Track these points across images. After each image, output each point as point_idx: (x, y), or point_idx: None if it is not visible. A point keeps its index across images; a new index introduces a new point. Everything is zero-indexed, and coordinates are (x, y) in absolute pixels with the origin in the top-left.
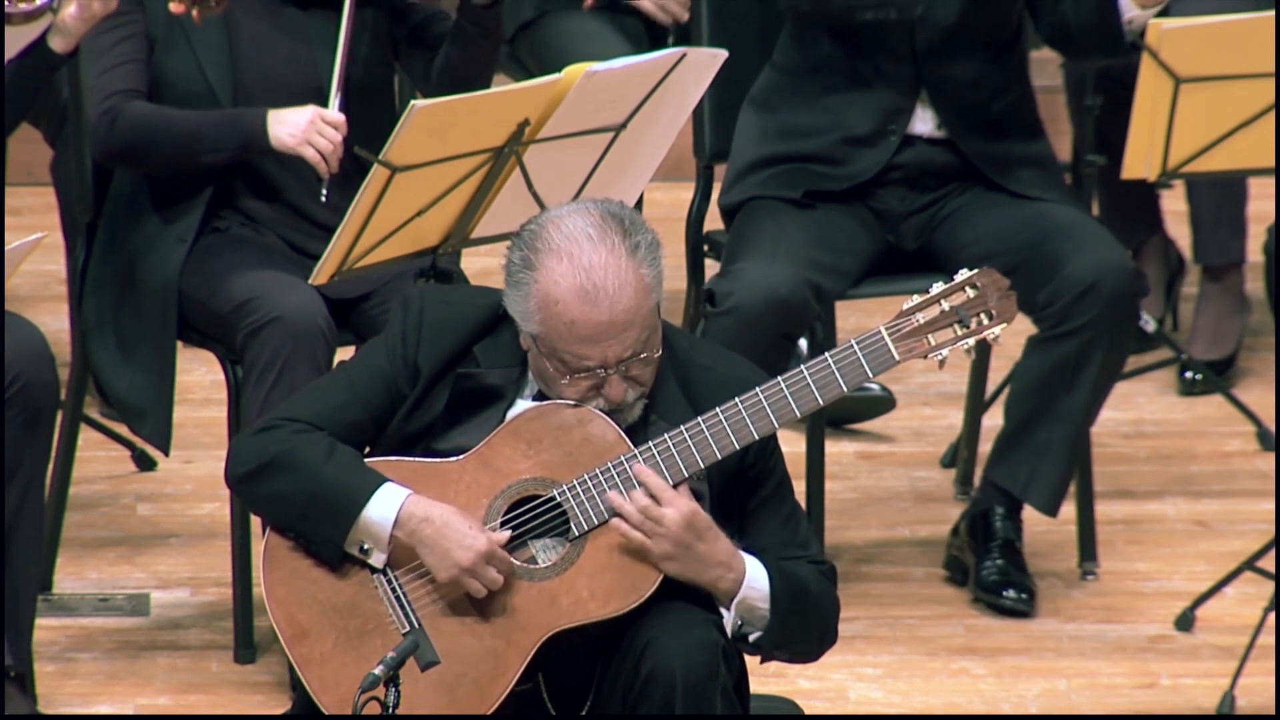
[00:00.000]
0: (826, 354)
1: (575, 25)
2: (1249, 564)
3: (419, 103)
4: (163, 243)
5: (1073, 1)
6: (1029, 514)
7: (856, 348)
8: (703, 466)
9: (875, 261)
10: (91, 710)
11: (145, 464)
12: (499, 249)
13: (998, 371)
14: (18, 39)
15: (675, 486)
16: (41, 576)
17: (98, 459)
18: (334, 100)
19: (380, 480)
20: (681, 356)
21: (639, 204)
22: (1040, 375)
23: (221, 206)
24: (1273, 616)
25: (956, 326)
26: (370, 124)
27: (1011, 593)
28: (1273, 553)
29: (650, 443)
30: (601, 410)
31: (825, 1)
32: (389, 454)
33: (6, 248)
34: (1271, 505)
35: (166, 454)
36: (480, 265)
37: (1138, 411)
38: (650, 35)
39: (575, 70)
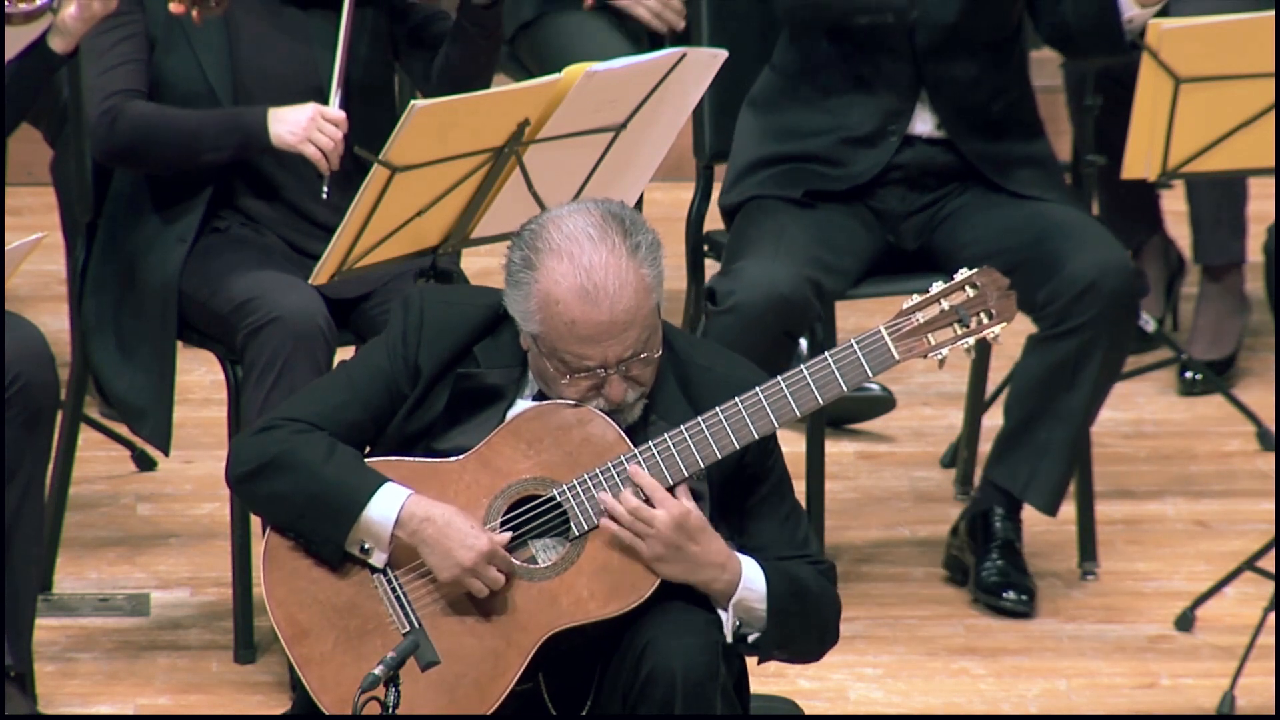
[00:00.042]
0: (826, 354)
1: (575, 25)
2: (1249, 564)
3: (419, 103)
4: (163, 243)
5: (1073, 1)
6: (1029, 514)
7: (856, 347)
8: (703, 466)
9: (875, 261)
10: (91, 710)
11: (145, 464)
12: (499, 249)
13: (998, 371)
14: (18, 39)
15: (675, 486)
16: (41, 576)
17: (98, 459)
18: (334, 99)
19: (381, 480)
20: (681, 356)
21: (639, 204)
22: (1040, 375)
23: (221, 206)
24: (1273, 616)
25: (956, 326)
26: (370, 124)
27: (1011, 594)
28: (1273, 553)
29: (650, 443)
30: (601, 410)
31: (821, 6)
32: (389, 454)
33: (6, 248)
34: (1271, 505)
35: (166, 454)
36: (480, 265)
37: (1138, 411)
38: (650, 35)
39: (575, 70)
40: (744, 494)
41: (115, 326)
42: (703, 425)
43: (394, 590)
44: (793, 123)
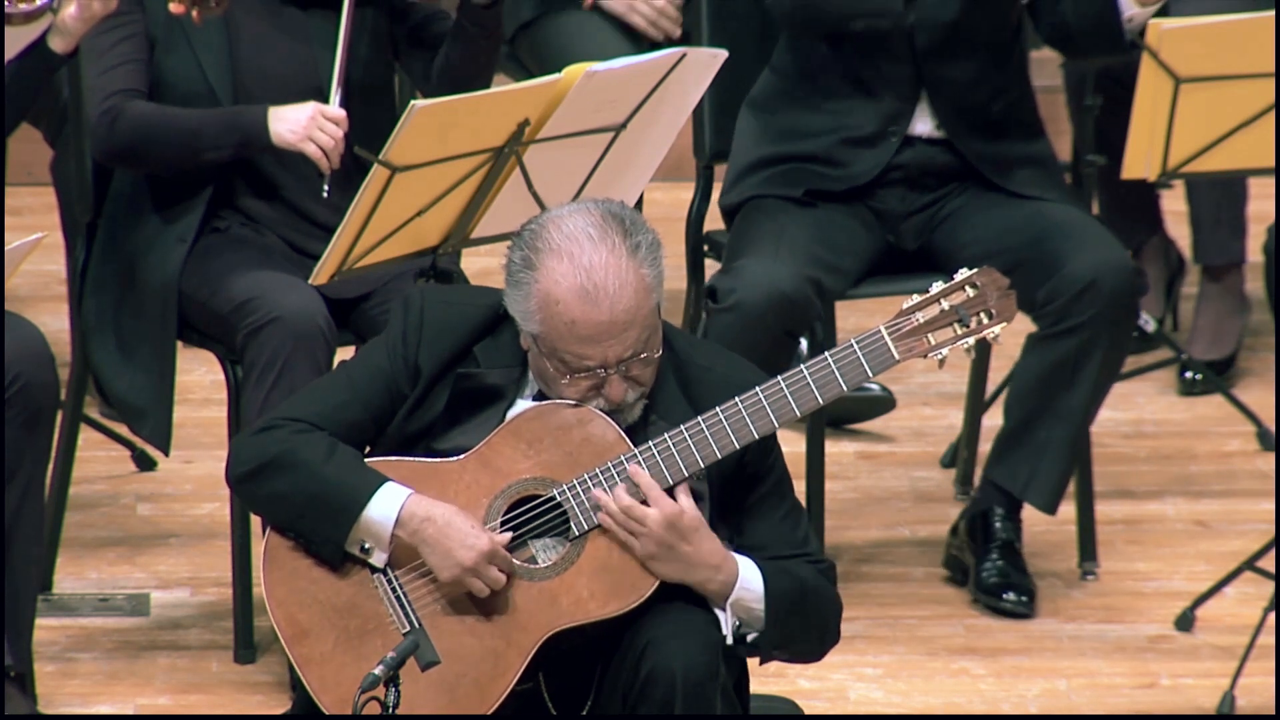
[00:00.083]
0: (826, 353)
1: (575, 25)
2: (1249, 564)
3: (419, 103)
4: (163, 243)
5: (1072, 1)
6: (1029, 514)
7: (856, 347)
8: (703, 466)
9: (875, 261)
10: (91, 710)
11: (145, 464)
12: (499, 249)
13: (998, 371)
14: (18, 39)
15: (675, 486)
16: (41, 576)
17: (98, 459)
18: (334, 98)
19: (381, 480)
20: (681, 356)
21: (639, 204)
22: (1040, 374)
23: (221, 206)
24: (1273, 616)
25: (956, 325)
26: (370, 124)
27: (1011, 595)
28: (1273, 553)
29: (650, 442)
30: (601, 410)
31: (818, 11)
32: (389, 454)
33: (6, 248)
34: (1271, 505)
35: (166, 454)
36: (480, 265)
37: (1138, 411)
38: None
39: (575, 70)
40: (744, 493)
41: (115, 326)
42: (703, 425)
43: (394, 590)
44: (792, 123)
